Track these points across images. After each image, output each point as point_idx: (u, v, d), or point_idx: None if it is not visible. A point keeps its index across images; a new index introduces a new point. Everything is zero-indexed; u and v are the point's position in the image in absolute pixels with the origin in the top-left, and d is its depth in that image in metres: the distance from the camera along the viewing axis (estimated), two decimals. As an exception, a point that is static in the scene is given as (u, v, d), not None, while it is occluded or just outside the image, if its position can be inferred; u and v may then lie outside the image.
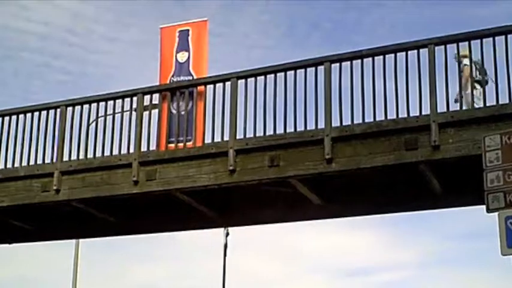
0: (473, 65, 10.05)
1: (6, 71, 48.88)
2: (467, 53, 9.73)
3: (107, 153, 11.10)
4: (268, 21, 52.03)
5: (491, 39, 9.23)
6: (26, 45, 47.36)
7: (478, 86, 10.07)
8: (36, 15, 47.60)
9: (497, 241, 7.62)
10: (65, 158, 11.41)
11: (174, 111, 11.11)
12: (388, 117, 9.51)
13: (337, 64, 9.99)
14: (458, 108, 9.27)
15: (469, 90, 9.90)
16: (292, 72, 10.21)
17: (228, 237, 26.86)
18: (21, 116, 11.85)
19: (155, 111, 11.24)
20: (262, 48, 49.62)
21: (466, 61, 10.01)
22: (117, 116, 11.23)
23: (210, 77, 11.12)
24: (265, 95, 10.28)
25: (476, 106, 9.63)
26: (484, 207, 7.89)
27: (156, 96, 11.29)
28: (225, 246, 27.27)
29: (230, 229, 25.67)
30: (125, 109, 11.30)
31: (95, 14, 48.68)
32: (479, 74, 10.04)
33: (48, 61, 49.87)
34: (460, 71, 9.82)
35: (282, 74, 10.28)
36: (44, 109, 11.73)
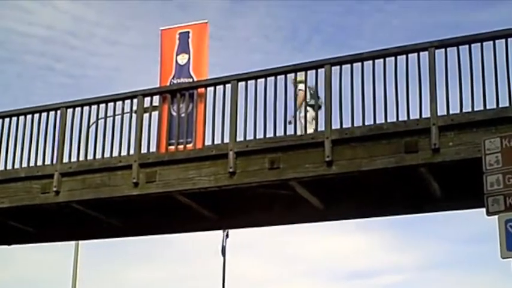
0: (307, 90, 10.47)
1: (10, 73, 48.95)
2: (303, 78, 10.28)
3: (107, 155, 11.11)
4: (270, 25, 52.08)
5: (491, 42, 9.24)
6: (28, 48, 47.45)
7: (310, 110, 10.49)
8: (38, 18, 47.69)
9: (497, 244, 7.63)
10: (65, 159, 11.41)
11: (174, 113, 11.11)
12: (389, 120, 9.51)
13: (338, 67, 10.00)
14: (457, 112, 9.26)
15: (303, 113, 10.30)
16: (293, 74, 10.22)
17: (228, 239, 26.81)
18: (21, 118, 11.85)
19: (155, 113, 11.26)
20: (263, 52, 49.67)
21: (301, 86, 10.45)
22: (117, 118, 11.24)
23: (211, 79, 11.13)
24: (266, 98, 10.28)
25: (308, 129, 10.16)
26: (484, 210, 7.90)
27: (156, 98, 11.30)
28: (224, 248, 27.22)
29: (230, 231, 25.64)
30: (125, 111, 11.31)
31: (96, 17, 48.78)
32: (312, 99, 10.49)
33: (51, 64, 49.95)
34: (296, 95, 10.32)
35: (283, 76, 10.29)
36: (44, 111, 11.74)
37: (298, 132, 10.13)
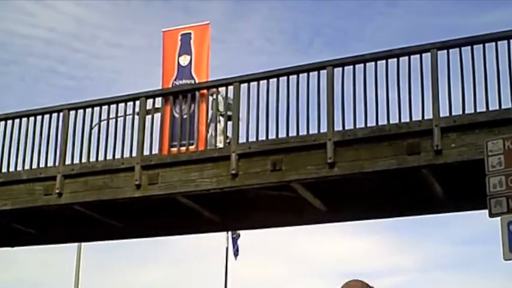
0: (222, 100, 10.94)
1: (12, 75, 49.00)
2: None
3: (109, 157, 11.11)
4: (272, 28, 52.04)
5: (493, 43, 9.24)
6: (31, 51, 47.47)
7: (222, 120, 11.00)
8: (41, 21, 47.72)
9: (499, 246, 7.62)
10: (68, 161, 11.41)
11: (176, 115, 11.11)
12: (391, 122, 9.51)
13: (340, 68, 9.99)
14: (460, 113, 9.26)
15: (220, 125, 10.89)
16: (295, 76, 10.22)
17: (238, 241, 26.78)
18: (24, 120, 11.85)
19: (157, 115, 11.26)
20: (266, 54, 49.60)
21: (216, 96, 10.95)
22: (120, 120, 11.25)
23: (213, 81, 11.13)
24: (268, 99, 10.28)
25: (218, 142, 10.77)
26: (486, 211, 7.89)
27: (158, 100, 11.30)
28: (227, 249, 27.24)
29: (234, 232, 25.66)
30: (127, 113, 11.31)
31: (99, 20, 48.81)
32: (224, 110, 10.89)
33: (54, 66, 49.97)
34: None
35: (285, 78, 10.29)
36: (46, 113, 11.74)
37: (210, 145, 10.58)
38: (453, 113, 9.25)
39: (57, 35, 50.84)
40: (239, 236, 26.48)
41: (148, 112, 11.23)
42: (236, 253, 26.97)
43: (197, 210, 11.32)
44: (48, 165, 11.52)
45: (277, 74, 10.34)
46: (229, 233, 25.67)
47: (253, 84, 10.47)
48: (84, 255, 24.22)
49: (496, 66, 9.16)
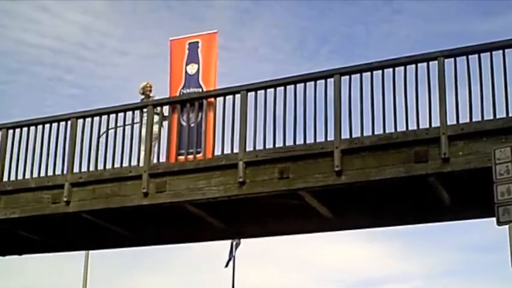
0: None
1: (20, 84, 49.19)
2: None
3: (117, 165, 11.14)
4: (278, 36, 52.11)
5: (500, 51, 9.24)
6: (38, 60, 47.65)
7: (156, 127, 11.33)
8: (48, 30, 47.94)
9: (507, 254, 7.61)
10: (76, 169, 11.45)
11: (184, 123, 11.13)
12: (398, 129, 9.51)
13: (347, 77, 10.00)
14: (467, 121, 9.25)
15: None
16: (302, 84, 10.23)
17: (238, 249, 26.82)
18: (32, 128, 11.90)
19: (165, 123, 11.31)
20: (272, 62, 49.67)
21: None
22: (128, 128, 11.28)
23: (220, 89, 11.15)
24: (275, 108, 10.30)
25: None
26: (494, 219, 7.88)
27: (166, 108, 11.33)
28: (234, 257, 27.23)
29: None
30: (135, 121, 11.34)
31: (107, 28, 49.00)
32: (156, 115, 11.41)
33: (61, 75, 50.17)
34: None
35: (292, 86, 10.31)
36: (54, 121, 11.78)
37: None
38: (460, 121, 9.24)
39: (64, 43, 51.05)
40: (238, 244, 26.46)
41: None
42: (228, 262, 27.00)
43: (204, 218, 11.33)
44: (56, 173, 11.57)
45: (284, 83, 10.36)
46: (235, 241, 25.67)
47: (261, 92, 10.49)
48: (92, 262, 24.26)
49: (503, 74, 9.16)
